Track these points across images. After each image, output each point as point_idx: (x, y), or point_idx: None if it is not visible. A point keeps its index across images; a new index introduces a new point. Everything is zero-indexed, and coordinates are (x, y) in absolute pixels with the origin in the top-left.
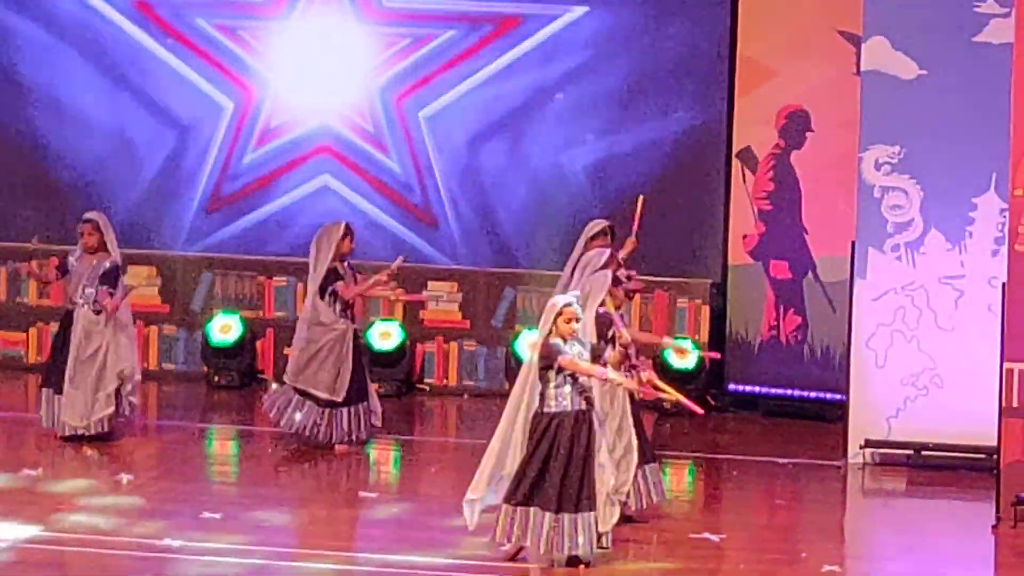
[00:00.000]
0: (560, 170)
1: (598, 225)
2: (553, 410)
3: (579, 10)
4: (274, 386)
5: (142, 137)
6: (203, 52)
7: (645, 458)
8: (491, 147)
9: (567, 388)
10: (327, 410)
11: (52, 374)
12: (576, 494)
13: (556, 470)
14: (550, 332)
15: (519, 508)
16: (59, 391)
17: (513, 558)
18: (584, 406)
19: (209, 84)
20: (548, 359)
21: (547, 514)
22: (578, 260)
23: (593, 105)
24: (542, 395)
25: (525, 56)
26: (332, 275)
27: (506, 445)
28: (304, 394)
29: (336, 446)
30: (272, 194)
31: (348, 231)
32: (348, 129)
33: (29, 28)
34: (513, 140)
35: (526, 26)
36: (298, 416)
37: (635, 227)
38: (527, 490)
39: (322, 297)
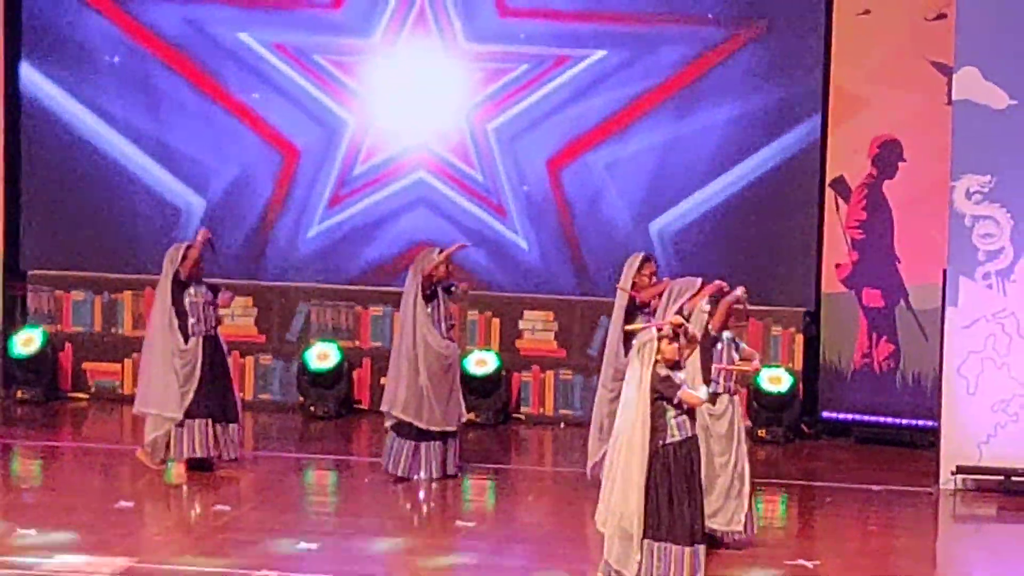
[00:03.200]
0: (652, 199)
1: (638, 257)
2: (677, 439)
3: (673, 38)
4: None
5: (239, 169)
6: (318, 77)
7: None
8: (585, 176)
9: (684, 416)
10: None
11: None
12: (702, 524)
13: (685, 501)
14: (657, 363)
15: (659, 543)
16: (223, 418)
17: None
18: (694, 431)
19: (308, 117)
20: (666, 393)
21: (685, 548)
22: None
23: (688, 135)
24: (659, 426)
25: (628, 86)
26: (432, 293)
27: (631, 481)
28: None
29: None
30: (369, 222)
31: (433, 254)
32: (443, 156)
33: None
34: (606, 169)
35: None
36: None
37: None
38: (666, 524)
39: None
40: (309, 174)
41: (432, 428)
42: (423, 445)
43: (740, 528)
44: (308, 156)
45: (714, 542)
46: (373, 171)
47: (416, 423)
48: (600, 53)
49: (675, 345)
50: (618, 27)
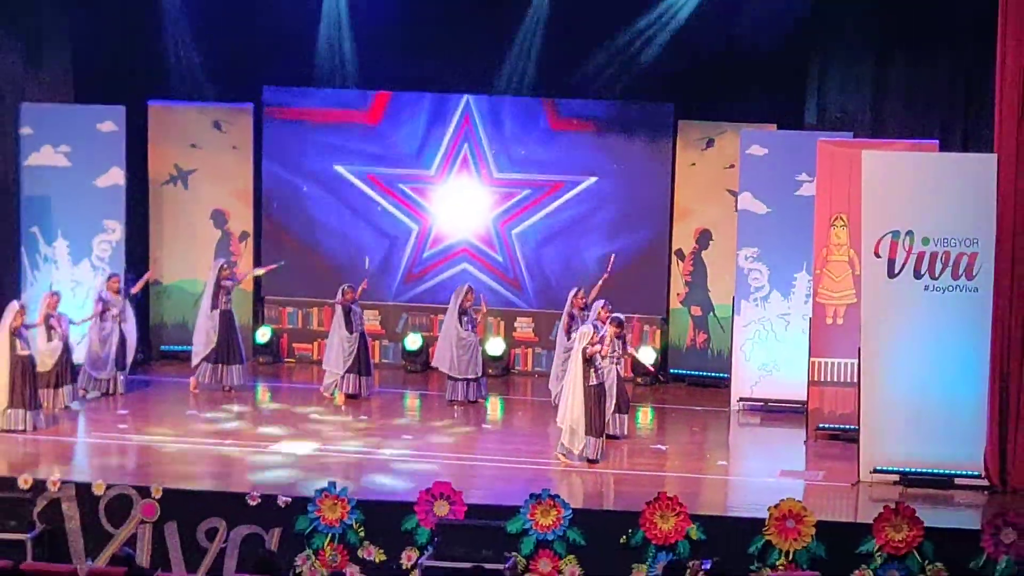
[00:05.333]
0: (586, 259)
1: (573, 290)
2: (596, 382)
3: (601, 177)
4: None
5: (366, 243)
6: (400, 200)
7: (622, 409)
8: (550, 249)
9: (601, 371)
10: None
11: (356, 365)
12: (604, 427)
13: (595, 415)
14: (588, 344)
15: (588, 437)
16: (364, 372)
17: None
18: (603, 379)
19: (402, 216)
20: (583, 351)
21: (597, 439)
22: (571, 310)
23: (606, 229)
24: (586, 375)
25: (565, 204)
26: (463, 311)
27: (576, 403)
28: (452, 378)
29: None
30: (435, 272)
31: (470, 290)
32: (477, 242)
33: (307, 182)
34: (561, 246)
35: (564, 188)
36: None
37: (607, 272)
38: (587, 426)
39: (459, 322)
40: (393, 259)
41: (457, 375)
42: (459, 383)
43: (615, 432)
44: (391, 248)
45: (610, 436)
46: (433, 258)
47: (449, 372)
48: (589, 181)
49: (594, 338)
50: (581, 168)
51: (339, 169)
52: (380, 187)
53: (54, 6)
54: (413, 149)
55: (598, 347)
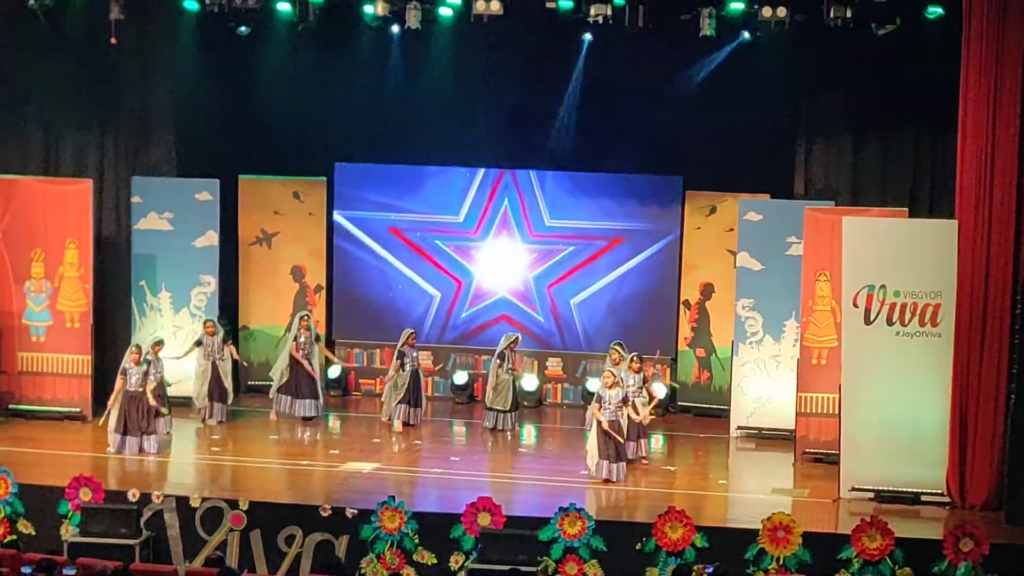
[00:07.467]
0: (614, 316)
1: (614, 342)
2: (611, 418)
3: (624, 239)
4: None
5: (415, 299)
6: (433, 260)
7: (638, 436)
8: (584, 305)
9: (612, 408)
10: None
11: (409, 398)
12: (623, 452)
13: (612, 443)
14: (603, 384)
15: (603, 460)
16: (417, 404)
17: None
18: (617, 416)
19: (434, 276)
20: (599, 399)
21: (614, 464)
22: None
23: (628, 282)
24: (604, 409)
25: (596, 262)
26: (502, 355)
27: (593, 434)
28: (491, 408)
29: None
30: (478, 321)
31: (516, 338)
32: (516, 297)
33: (357, 247)
34: (596, 302)
35: (596, 248)
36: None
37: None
38: (606, 452)
39: (500, 363)
40: (452, 301)
41: (496, 407)
42: (500, 414)
43: (636, 456)
44: (440, 300)
45: (629, 461)
46: (473, 318)
47: (493, 405)
48: (612, 242)
49: (614, 380)
50: (615, 227)
51: (398, 232)
52: (428, 246)
53: (160, 95)
54: (460, 213)
55: (606, 414)
